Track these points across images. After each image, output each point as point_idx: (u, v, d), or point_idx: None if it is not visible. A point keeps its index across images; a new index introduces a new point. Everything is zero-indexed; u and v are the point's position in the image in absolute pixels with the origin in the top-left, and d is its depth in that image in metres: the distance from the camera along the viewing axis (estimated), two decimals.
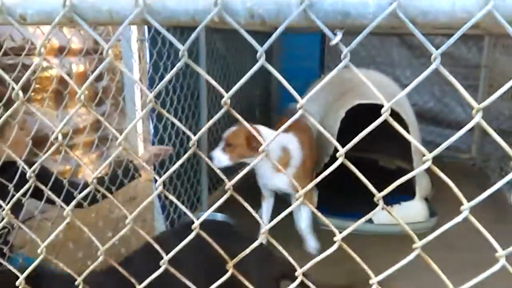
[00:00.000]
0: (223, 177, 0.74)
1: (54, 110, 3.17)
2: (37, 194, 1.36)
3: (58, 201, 0.85)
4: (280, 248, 0.70)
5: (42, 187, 0.79)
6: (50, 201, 1.55)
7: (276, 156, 2.55)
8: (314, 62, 4.75)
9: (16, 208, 1.60)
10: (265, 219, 2.91)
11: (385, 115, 0.60)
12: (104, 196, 1.77)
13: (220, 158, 2.42)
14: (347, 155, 0.65)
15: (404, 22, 0.57)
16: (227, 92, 0.65)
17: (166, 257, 0.71)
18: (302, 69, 4.33)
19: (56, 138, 0.73)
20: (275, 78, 5.18)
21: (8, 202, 1.43)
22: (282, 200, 3.43)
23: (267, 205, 2.91)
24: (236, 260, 0.68)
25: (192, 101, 2.78)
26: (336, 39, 0.59)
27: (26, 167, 0.73)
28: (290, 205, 0.73)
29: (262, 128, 2.50)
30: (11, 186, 1.35)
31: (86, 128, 3.34)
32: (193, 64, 0.64)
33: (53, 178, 1.56)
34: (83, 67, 3.55)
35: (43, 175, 1.53)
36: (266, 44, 0.61)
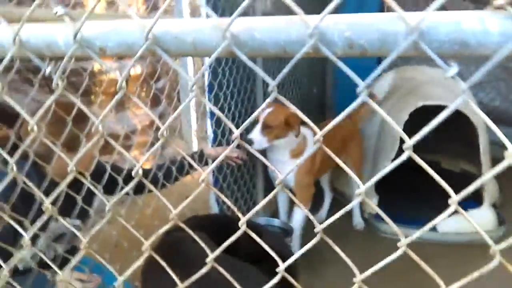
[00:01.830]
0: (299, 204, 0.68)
1: (112, 113, 3.24)
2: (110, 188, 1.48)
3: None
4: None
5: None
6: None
7: (295, 142, 2.54)
8: (371, 59, 4.53)
9: (84, 216, 1.62)
10: (282, 213, 2.87)
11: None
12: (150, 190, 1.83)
13: (261, 141, 2.39)
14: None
15: None
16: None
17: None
18: (359, 66, 4.14)
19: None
20: (330, 79, 5.08)
21: (80, 212, 1.45)
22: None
23: (282, 198, 2.88)
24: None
25: (248, 105, 2.74)
26: (451, 71, 0.52)
27: (105, 200, 0.71)
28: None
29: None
30: (79, 198, 1.35)
31: (145, 129, 3.41)
32: (283, 99, 0.59)
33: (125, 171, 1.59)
34: (140, 69, 3.60)
35: (115, 171, 1.55)
36: (370, 79, 0.54)
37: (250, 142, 2.37)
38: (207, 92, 2.20)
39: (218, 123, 2.40)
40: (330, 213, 3.25)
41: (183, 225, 0.79)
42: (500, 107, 4.66)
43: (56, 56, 0.64)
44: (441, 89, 3.02)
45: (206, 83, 2.20)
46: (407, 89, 3.16)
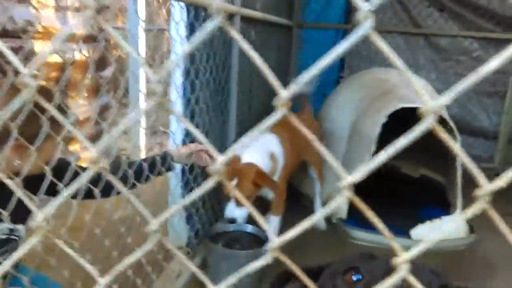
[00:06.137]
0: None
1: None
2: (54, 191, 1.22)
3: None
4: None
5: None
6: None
7: (268, 167, 2.51)
8: (334, 60, 4.58)
9: (26, 215, 1.41)
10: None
11: None
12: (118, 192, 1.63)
13: (243, 213, 2.40)
14: None
15: None
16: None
17: None
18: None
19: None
20: (291, 80, 5.04)
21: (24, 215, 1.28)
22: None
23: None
24: None
25: (225, 113, 2.69)
26: None
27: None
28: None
29: (243, 155, 2.44)
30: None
31: (88, 120, 3.27)
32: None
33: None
34: (87, 54, 3.45)
35: (64, 169, 1.34)
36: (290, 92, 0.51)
37: (234, 221, 2.40)
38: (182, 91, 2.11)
39: (192, 119, 2.27)
40: (296, 216, 3.24)
41: None
42: (456, 115, 4.74)
43: None
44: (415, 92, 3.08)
45: (182, 78, 2.11)
46: (382, 90, 3.19)
